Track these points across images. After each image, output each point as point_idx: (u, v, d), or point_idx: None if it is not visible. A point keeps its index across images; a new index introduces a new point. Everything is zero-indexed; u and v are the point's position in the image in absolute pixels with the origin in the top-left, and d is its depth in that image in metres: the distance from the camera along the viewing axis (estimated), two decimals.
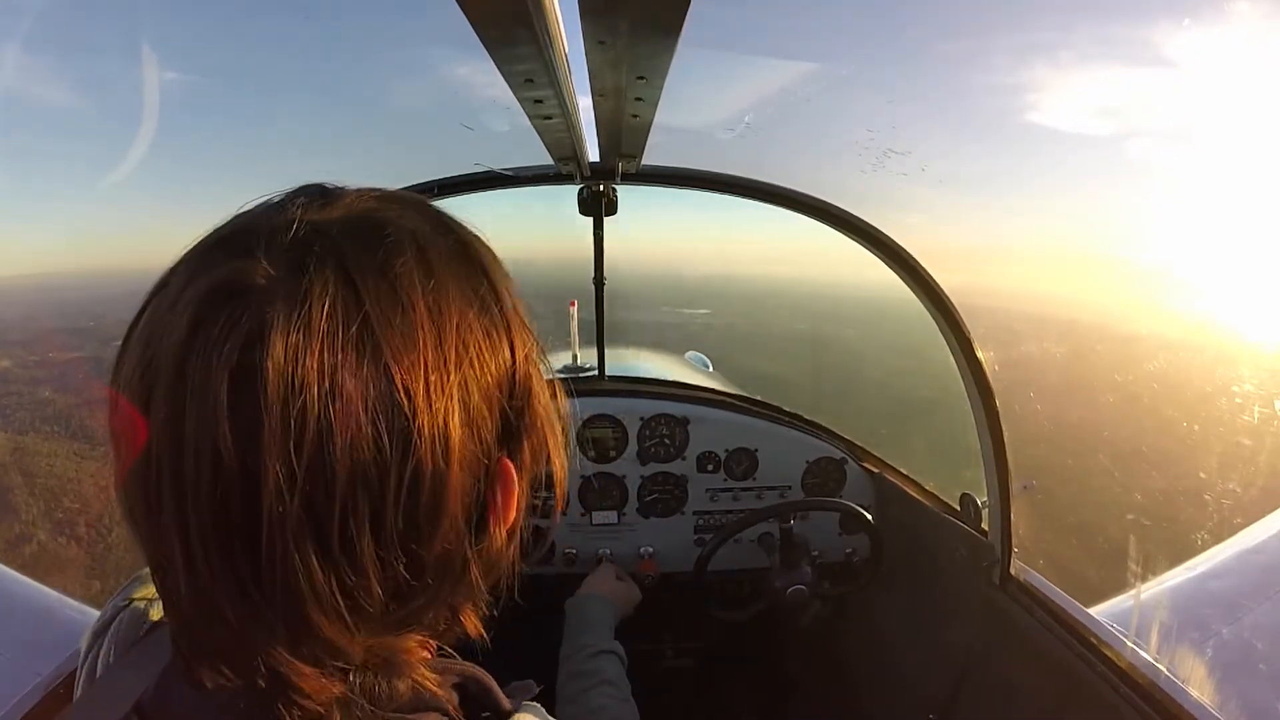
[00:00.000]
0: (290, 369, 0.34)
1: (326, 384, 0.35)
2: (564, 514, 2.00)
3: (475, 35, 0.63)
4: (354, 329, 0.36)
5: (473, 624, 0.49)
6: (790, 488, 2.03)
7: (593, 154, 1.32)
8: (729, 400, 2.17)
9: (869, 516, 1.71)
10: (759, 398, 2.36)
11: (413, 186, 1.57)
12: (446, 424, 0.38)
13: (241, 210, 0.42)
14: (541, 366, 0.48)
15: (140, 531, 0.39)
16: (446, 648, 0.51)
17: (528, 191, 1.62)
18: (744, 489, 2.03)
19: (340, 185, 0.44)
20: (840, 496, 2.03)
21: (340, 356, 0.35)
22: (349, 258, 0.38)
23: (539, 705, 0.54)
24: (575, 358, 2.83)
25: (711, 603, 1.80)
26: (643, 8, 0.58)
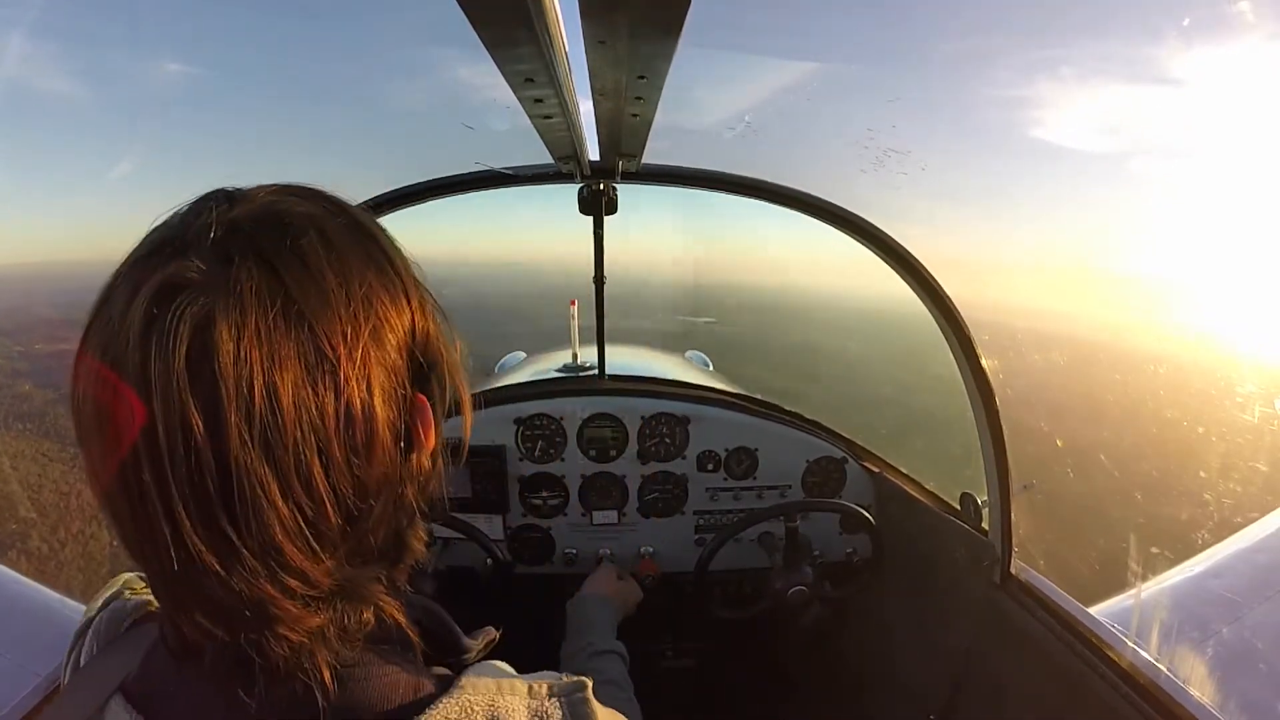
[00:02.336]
0: (235, 343, 0.41)
1: (266, 349, 0.42)
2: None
3: (475, 35, 0.63)
4: (279, 301, 0.43)
5: (419, 543, 0.57)
6: (790, 487, 2.03)
7: (593, 153, 1.32)
8: (729, 399, 2.17)
9: (870, 518, 1.71)
10: (759, 396, 2.36)
11: (413, 186, 1.57)
12: (366, 366, 0.46)
13: (158, 222, 0.48)
14: (437, 315, 0.56)
15: (124, 524, 0.44)
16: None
17: (528, 191, 1.62)
18: (744, 488, 2.03)
19: (241, 188, 0.51)
20: (840, 496, 2.03)
21: (273, 325, 0.42)
22: (264, 245, 0.45)
23: (498, 664, 0.60)
24: (575, 357, 2.83)
25: (714, 601, 1.80)
26: (643, 8, 0.58)
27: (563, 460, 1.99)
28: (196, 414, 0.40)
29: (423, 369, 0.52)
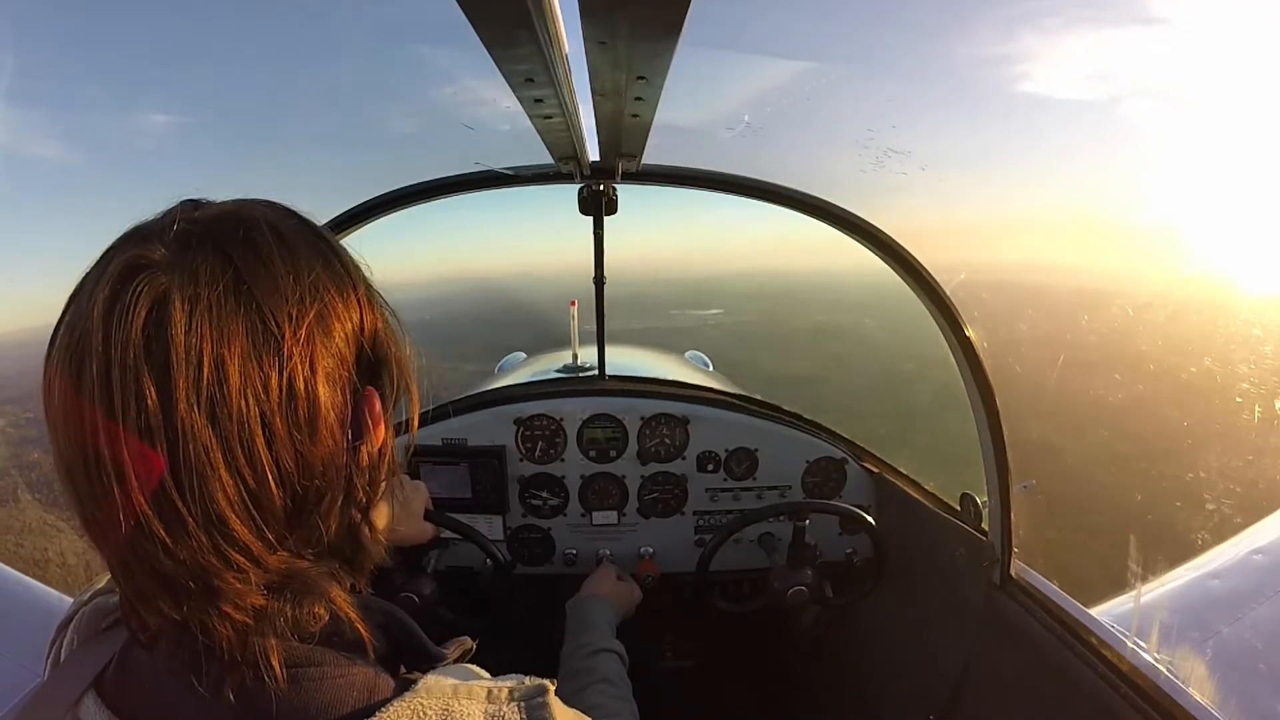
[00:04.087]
0: (188, 316, 0.45)
1: (216, 323, 0.45)
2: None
3: (475, 35, 0.63)
4: (230, 282, 0.47)
5: (373, 546, 0.58)
6: (790, 487, 2.03)
7: (593, 153, 1.32)
8: (729, 400, 2.17)
9: (870, 520, 1.70)
10: (759, 396, 2.36)
11: (414, 186, 1.57)
12: (310, 347, 0.49)
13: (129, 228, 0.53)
14: (389, 316, 0.59)
15: (82, 496, 0.46)
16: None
17: (528, 191, 1.62)
18: (744, 489, 2.03)
19: (208, 199, 0.55)
20: (840, 497, 2.03)
21: (223, 301, 0.46)
22: (219, 234, 0.49)
23: (469, 666, 0.60)
24: (575, 357, 2.83)
25: (715, 594, 1.79)
26: (643, 8, 0.58)
27: (563, 460, 1.99)
28: (150, 381, 0.44)
29: (372, 363, 0.56)
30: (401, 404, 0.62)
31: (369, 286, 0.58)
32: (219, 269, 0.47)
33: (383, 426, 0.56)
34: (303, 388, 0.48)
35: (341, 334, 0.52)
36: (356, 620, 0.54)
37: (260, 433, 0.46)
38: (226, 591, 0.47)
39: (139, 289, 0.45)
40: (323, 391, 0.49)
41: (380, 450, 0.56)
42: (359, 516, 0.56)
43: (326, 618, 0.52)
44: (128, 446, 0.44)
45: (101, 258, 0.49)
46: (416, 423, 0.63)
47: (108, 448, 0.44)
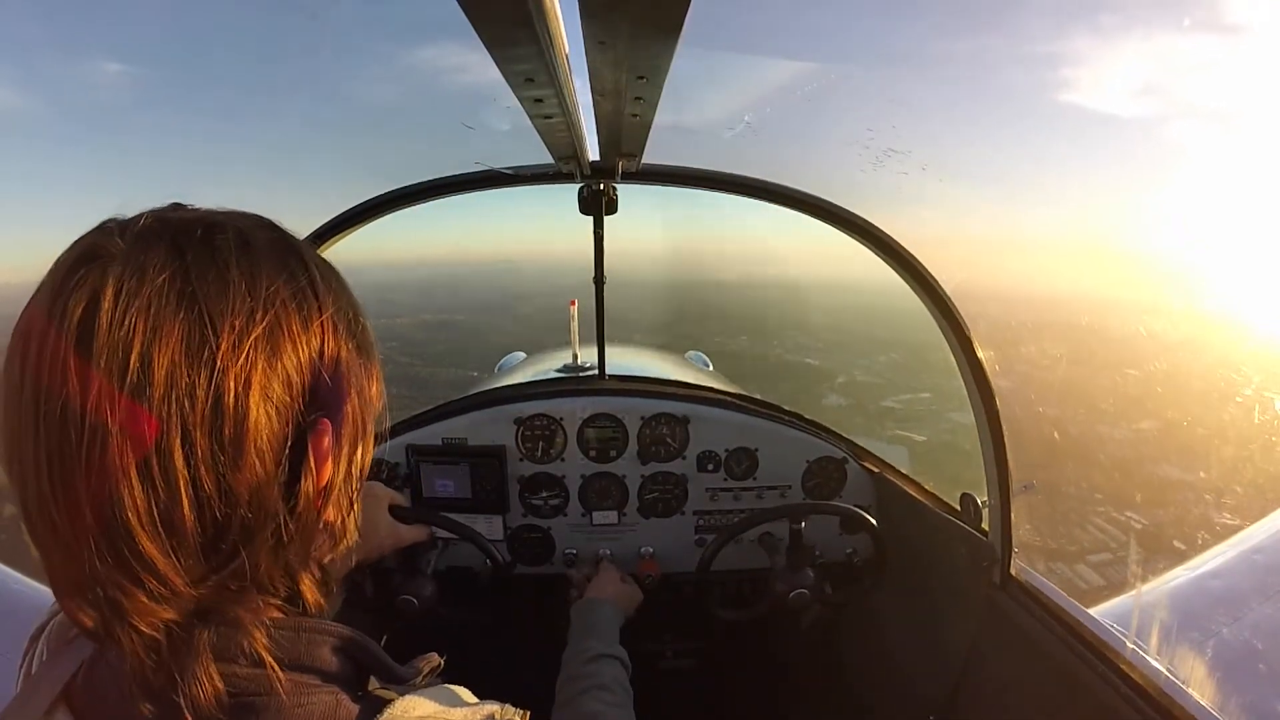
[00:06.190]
0: (121, 309, 0.43)
1: (151, 320, 0.44)
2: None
3: (476, 35, 0.63)
4: (177, 280, 0.45)
5: (310, 592, 0.54)
6: (790, 487, 2.03)
7: (593, 153, 1.32)
8: (729, 399, 2.17)
9: (872, 520, 1.70)
10: (759, 396, 2.36)
11: (413, 186, 1.58)
12: (249, 364, 0.46)
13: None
14: (363, 356, 0.56)
15: (14, 479, 0.45)
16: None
17: (528, 191, 1.62)
18: (744, 489, 2.03)
19: (193, 205, 0.54)
20: (840, 497, 2.03)
21: (164, 300, 0.44)
22: (180, 235, 0.48)
23: (450, 688, 0.59)
24: (575, 357, 2.83)
25: (714, 602, 1.80)
26: (643, 8, 0.58)
27: (563, 460, 1.99)
28: (74, 372, 0.42)
29: (330, 394, 0.51)
30: (387, 412, 0.59)
31: (340, 310, 0.54)
32: (167, 266, 0.46)
33: (330, 465, 0.52)
34: (231, 404, 0.45)
35: (294, 358, 0.49)
36: (271, 664, 0.50)
37: (179, 443, 0.44)
38: (131, 608, 0.45)
39: (82, 279, 0.44)
40: (255, 413, 0.46)
41: (324, 490, 0.52)
42: (299, 561, 0.53)
43: (267, 642, 0.50)
44: (45, 436, 0.43)
45: (70, 246, 0.48)
46: (367, 464, 0.58)
47: (30, 437, 0.43)
